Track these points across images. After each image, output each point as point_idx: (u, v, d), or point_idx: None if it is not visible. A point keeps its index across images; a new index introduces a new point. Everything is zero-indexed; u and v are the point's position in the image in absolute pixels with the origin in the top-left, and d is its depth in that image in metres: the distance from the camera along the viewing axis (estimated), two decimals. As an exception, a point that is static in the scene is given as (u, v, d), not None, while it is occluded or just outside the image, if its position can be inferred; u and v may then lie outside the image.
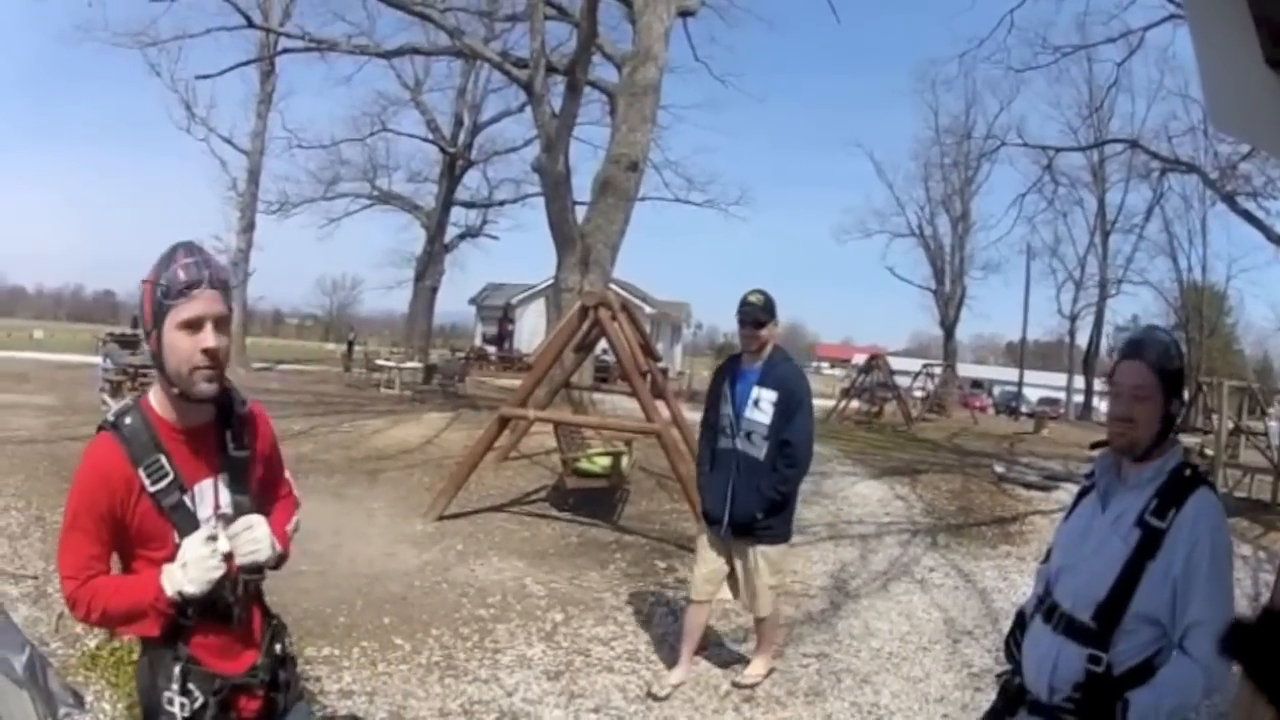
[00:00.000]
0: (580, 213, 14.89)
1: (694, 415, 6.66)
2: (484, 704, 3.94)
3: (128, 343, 18.81)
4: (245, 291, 25.66)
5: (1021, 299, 38.64)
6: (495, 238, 36.23)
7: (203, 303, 1.68)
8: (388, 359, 23.56)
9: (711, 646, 4.79)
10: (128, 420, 1.74)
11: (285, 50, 21.24)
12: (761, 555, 4.13)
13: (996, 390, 46.21)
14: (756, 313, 4.10)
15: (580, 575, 6.05)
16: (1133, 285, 40.06)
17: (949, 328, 41.53)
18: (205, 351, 1.68)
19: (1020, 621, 2.28)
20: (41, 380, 16.48)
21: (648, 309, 34.39)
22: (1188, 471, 1.97)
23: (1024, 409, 36.62)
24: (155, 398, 1.78)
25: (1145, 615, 1.91)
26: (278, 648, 1.94)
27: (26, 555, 5.49)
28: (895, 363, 27.26)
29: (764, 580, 4.15)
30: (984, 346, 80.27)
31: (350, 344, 33.13)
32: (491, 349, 38.63)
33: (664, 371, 17.33)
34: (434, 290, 33.37)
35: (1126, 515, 1.97)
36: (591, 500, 8.01)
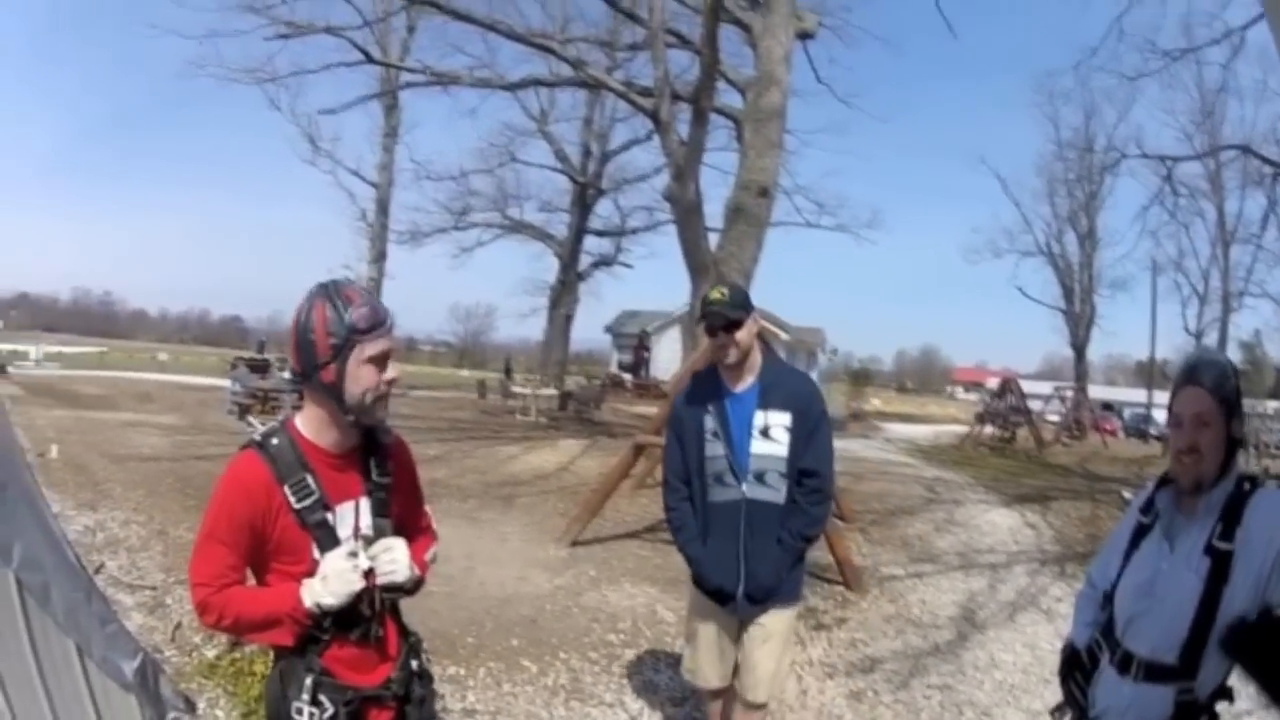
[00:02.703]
0: (713, 240, 14.86)
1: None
2: (608, 728, 3.92)
3: (257, 367, 19.65)
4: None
5: (1149, 316, 35.99)
6: (629, 265, 36.15)
7: (387, 340, 1.82)
8: (523, 386, 24.05)
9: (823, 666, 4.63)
10: (274, 441, 1.83)
11: (407, 84, 21.48)
12: (778, 621, 3.10)
13: (1126, 413, 43.05)
14: (725, 312, 2.94)
15: (711, 602, 5.97)
16: (1253, 298, 36.70)
17: (1079, 348, 39.61)
18: (388, 382, 1.84)
19: (1075, 660, 2.16)
20: (166, 400, 17.13)
21: (784, 336, 33.92)
22: (1246, 485, 1.82)
23: (1153, 431, 33.90)
24: (303, 421, 1.87)
25: None
26: (414, 663, 1.98)
27: (145, 567, 5.71)
28: (1027, 385, 26.37)
29: (777, 654, 3.13)
30: (1113, 367, 75.44)
31: (508, 370, 33.73)
32: (627, 376, 38.91)
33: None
34: (569, 318, 33.93)
35: (1195, 548, 1.84)
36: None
